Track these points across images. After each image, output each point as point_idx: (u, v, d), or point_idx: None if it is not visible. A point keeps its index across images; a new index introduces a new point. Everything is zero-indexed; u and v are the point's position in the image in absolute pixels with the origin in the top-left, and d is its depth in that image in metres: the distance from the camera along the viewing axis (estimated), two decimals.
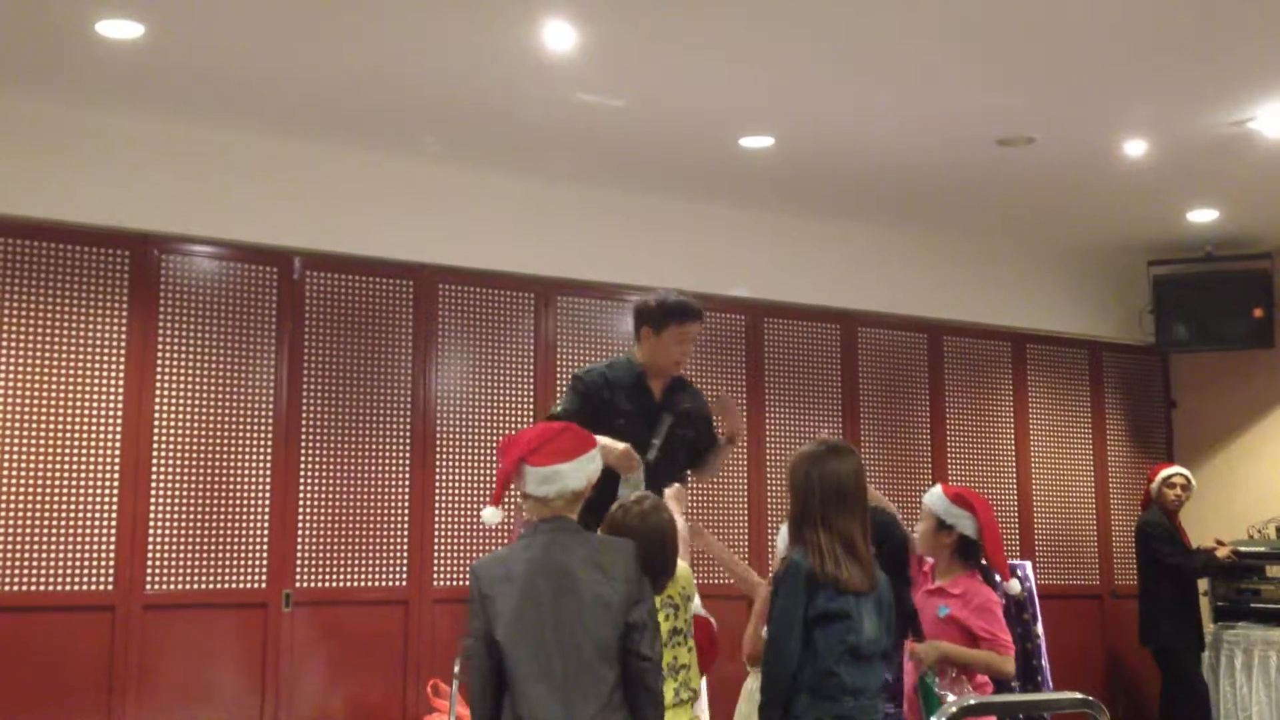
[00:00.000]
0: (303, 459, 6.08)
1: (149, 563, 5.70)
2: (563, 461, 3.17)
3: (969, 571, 4.11)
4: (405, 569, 6.24)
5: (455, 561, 6.34)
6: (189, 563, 5.79)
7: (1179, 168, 6.60)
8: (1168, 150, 6.30)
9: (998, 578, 4.19)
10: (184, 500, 5.81)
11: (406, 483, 6.30)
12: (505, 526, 5.13)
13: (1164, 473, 7.45)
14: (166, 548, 5.75)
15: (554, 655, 3.01)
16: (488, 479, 6.47)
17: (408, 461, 6.31)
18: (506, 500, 3.44)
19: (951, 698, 3.84)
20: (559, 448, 3.19)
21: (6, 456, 5.50)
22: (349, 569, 6.13)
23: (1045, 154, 6.33)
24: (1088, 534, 8.34)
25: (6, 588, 5.43)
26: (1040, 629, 5.31)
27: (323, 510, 6.10)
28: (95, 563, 5.60)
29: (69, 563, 5.55)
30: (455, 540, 6.38)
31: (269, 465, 6.00)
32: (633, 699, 3.05)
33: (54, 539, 5.54)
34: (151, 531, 5.72)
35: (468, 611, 3.17)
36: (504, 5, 4.72)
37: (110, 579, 5.61)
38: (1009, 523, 8.02)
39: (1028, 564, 6.19)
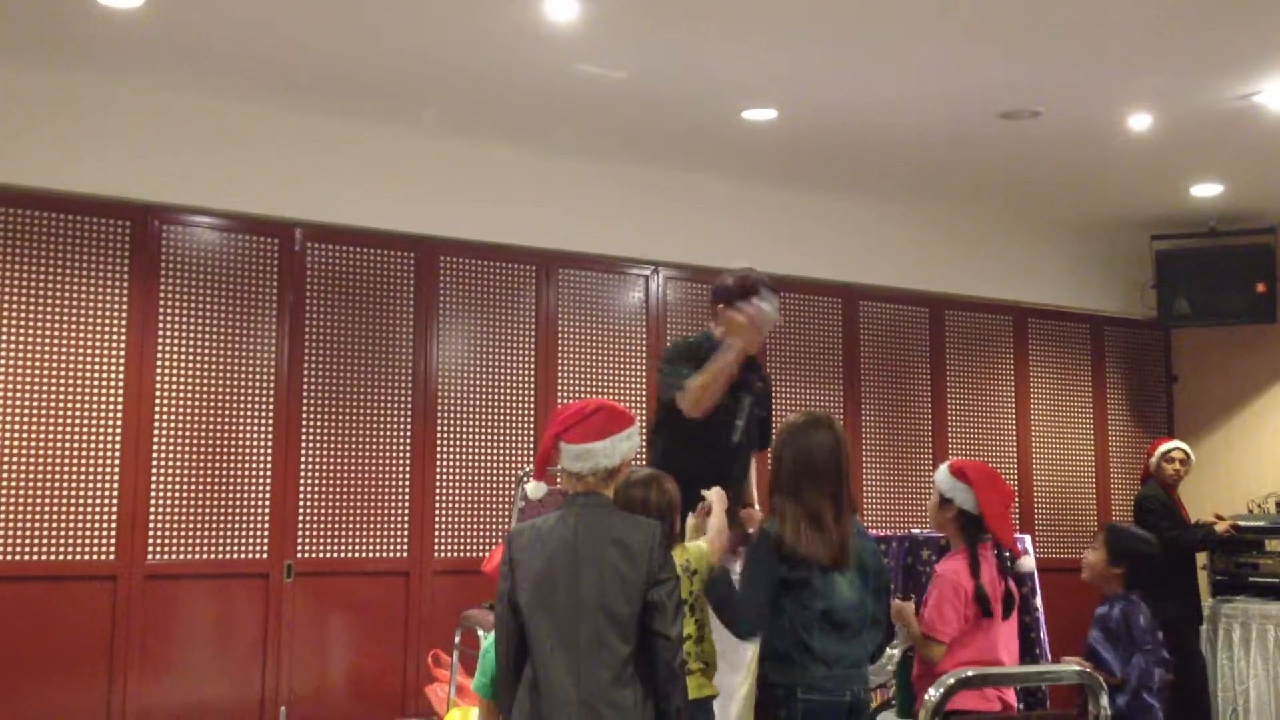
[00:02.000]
0: (304, 430, 6.09)
1: (150, 533, 5.72)
2: (595, 440, 3.26)
3: (964, 547, 4.08)
4: (406, 540, 6.26)
5: (456, 533, 6.37)
6: (191, 533, 5.81)
7: (1183, 142, 6.57)
8: (1172, 124, 6.28)
9: (1009, 556, 4.16)
10: (185, 471, 5.82)
11: (408, 454, 6.31)
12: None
13: (1163, 447, 7.44)
14: (168, 518, 5.77)
15: (570, 625, 3.11)
16: (489, 450, 6.49)
17: (409, 433, 6.32)
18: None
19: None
20: (591, 427, 3.28)
21: (8, 428, 5.51)
22: (350, 540, 6.15)
23: (1049, 128, 6.31)
24: (1087, 508, 8.36)
25: (8, 558, 5.46)
26: (1039, 602, 5.32)
27: (324, 481, 6.12)
28: (97, 533, 5.62)
29: (71, 533, 5.57)
30: (456, 512, 6.40)
31: (270, 436, 6.01)
32: (653, 675, 3.13)
33: (56, 509, 5.56)
34: (153, 502, 5.74)
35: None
36: None
37: (112, 549, 5.64)
38: None
39: (1027, 537, 6.19)
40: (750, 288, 4.26)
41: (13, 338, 5.55)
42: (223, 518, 5.88)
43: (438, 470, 6.37)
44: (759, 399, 4.40)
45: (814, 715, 3.37)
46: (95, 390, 5.68)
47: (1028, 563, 4.24)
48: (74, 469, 5.61)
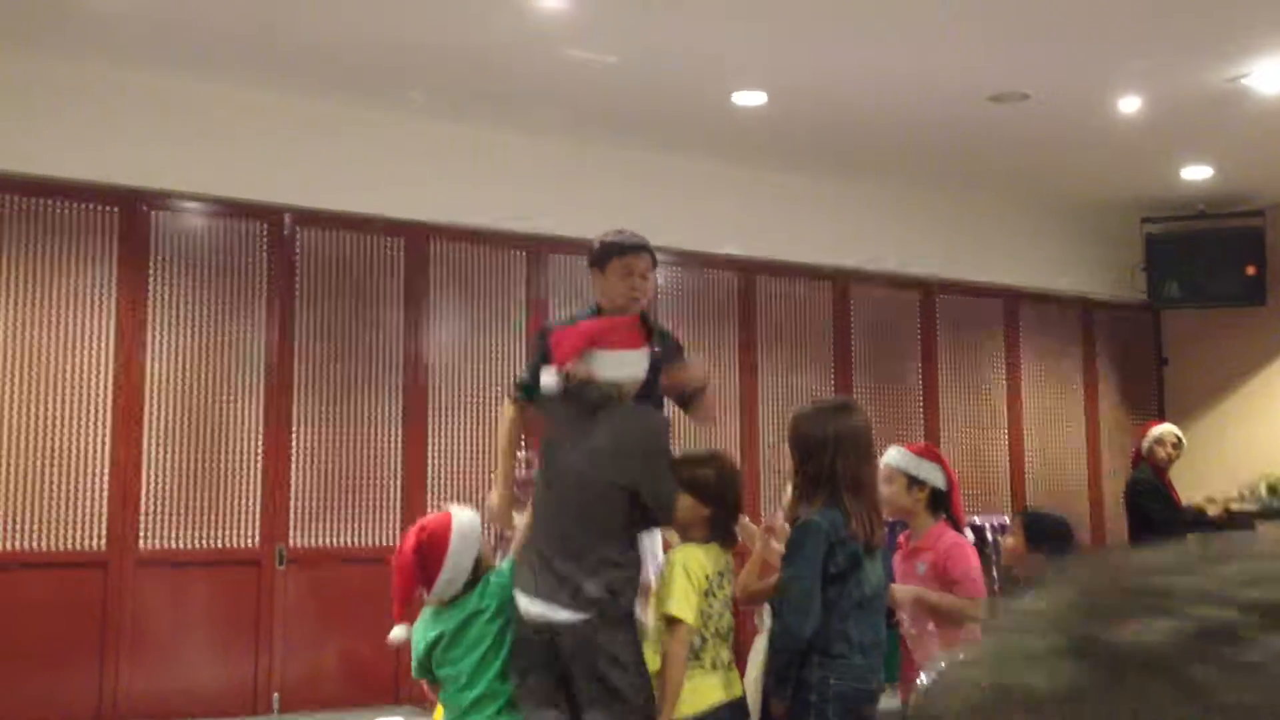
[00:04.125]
0: (294, 416, 6.08)
1: (141, 520, 5.71)
2: (630, 349, 3.45)
3: (945, 521, 4.15)
4: (398, 525, 6.25)
5: None
6: (181, 520, 5.80)
7: (1172, 124, 6.57)
8: (1161, 107, 6.28)
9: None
10: (176, 457, 5.81)
11: (399, 439, 6.31)
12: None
13: (1155, 431, 7.44)
14: (159, 505, 5.76)
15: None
16: (479, 434, 6.48)
17: (400, 418, 6.32)
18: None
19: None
20: (627, 336, 3.47)
21: None
22: (341, 526, 6.15)
23: (1039, 111, 6.30)
24: (1079, 490, 8.37)
25: (1, 545, 5.44)
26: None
27: (315, 467, 6.11)
28: (88, 520, 5.61)
29: (61, 520, 5.56)
30: (448, 495, 6.39)
31: (261, 422, 6.00)
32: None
33: (46, 496, 5.55)
34: (144, 489, 5.73)
35: None
36: None
37: (103, 536, 5.63)
38: (1000, 480, 8.05)
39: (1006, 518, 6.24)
40: (611, 246, 4.13)
41: (2, 324, 5.53)
42: (214, 504, 5.88)
43: (429, 455, 6.37)
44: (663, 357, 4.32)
45: (845, 702, 3.29)
46: (85, 377, 5.66)
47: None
48: (64, 456, 5.60)
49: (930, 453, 4.16)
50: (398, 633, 3.35)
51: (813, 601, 3.26)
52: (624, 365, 3.38)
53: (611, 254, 4.17)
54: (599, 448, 3.32)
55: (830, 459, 3.36)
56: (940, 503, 4.12)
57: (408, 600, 3.28)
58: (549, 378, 3.47)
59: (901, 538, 4.16)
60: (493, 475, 4.35)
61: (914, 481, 4.11)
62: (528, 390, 4.05)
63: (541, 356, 4.16)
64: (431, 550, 3.26)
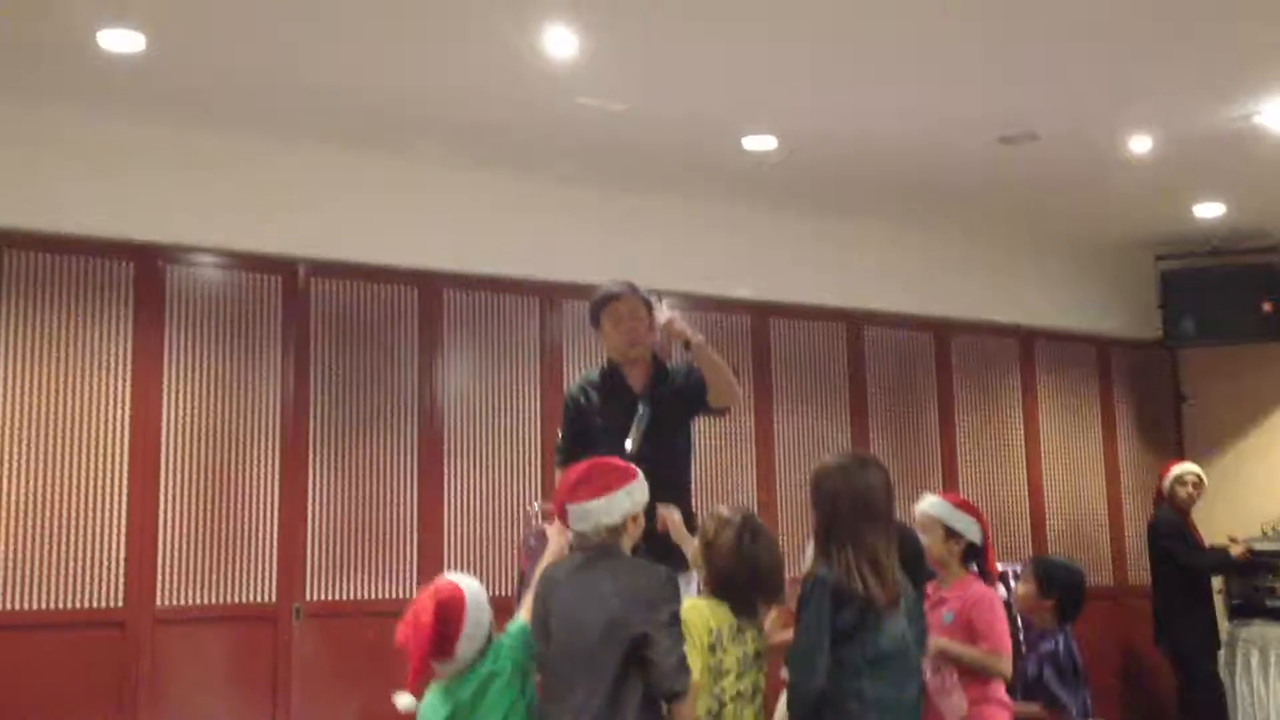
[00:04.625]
0: (310, 469, 6.05)
1: (158, 577, 5.67)
2: (592, 499, 3.32)
3: (975, 574, 4.13)
4: (415, 578, 6.21)
5: (465, 569, 6.30)
6: (198, 576, 5.76)
7: (1184, 162, 6.56)
8: (1173, 145, 6.27)
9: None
10: (192, 513, 5.78)
11: (414, 491, 6.27)
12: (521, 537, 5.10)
13: (1175, 470, 7.40)
14: (175, 562, 5.72)
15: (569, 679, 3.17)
16: (496, 485, 6.45)
17: (415, 469, 6.29)
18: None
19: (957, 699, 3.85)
20: (591, 488, 3.34)
21: (14, 472, 5.48)
22: (358, 580, 6.11)
23: (1049, 151, 6.30)
24: (1099, 531, 8.30)
25: (17, 605, 5.41)
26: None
27: (331, 521, 6.08)
28: (104, 578, 5.58)
29: (78, 579, 5.53)
30: (464, 548, 6.35)
31: (277, 476, 5.98)
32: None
33: (63, 555, 5.51)
34: (161, 546, 5.70)
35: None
36: (505, 13, 4.71)
37: (120, 594, 5.59)
38: (1020, 521, 7.99)
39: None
40: (596, 302, 4.36)
41: (17, 381, 5.53)
42: (230, 560, 5.84)
43: (445, 506, 6.33)
44: (666, 401, 4.32)
45: None
46: (101, 433, 5.65)
47: (1000, 591, 4.29)
48: (80, 514, 5.57)
49: (967, 506, 4.15)
50: (408, 701, 3.28)
51: (817, 658, 3.23)
52: (614, 508, 3.33)
53: (599, 310, 4.42)
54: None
55: (833, 514, 3.37)
56: (973, 556, 4.11)
57: (426, 669, 3.22)
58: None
59: (929, 587, 4.13)
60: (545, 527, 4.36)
61: (950, 533, 4.09)
62: (566, 457, 4.27)
63: (570, 422, 4.29)
64: (452, 610, 3.21)
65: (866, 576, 3.27)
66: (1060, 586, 4.68)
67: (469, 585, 3.27)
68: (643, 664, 3.11)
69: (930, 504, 4.18)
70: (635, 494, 3.36)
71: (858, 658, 3.25)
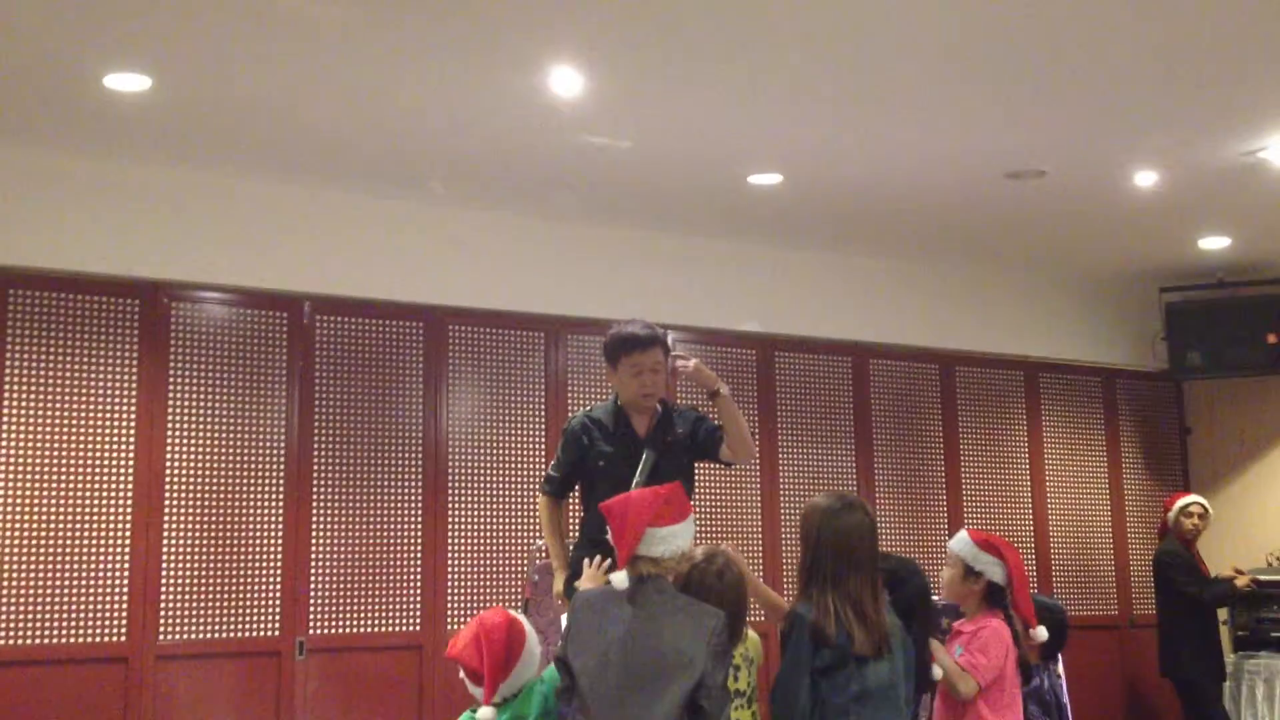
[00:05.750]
0: (315, 505, 6.06)
1: (162, 613, 5.67)
2: (677, 523, 3.26)
3: (992, 612, 4.10)
4: (419, 613, 6.20)
5: (469, 604, 6.30)
6: (202, 612, 5.76)
7: (1190, 197, 6.57)
8: (1178, 181, 6.28)
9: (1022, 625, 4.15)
10: (196, 549, 5.79)
11: (419, 526, 6.27)
12: (523, 577, 5.09)
13: (1181, 502, 7.39)
14: (179, 597, 5.72)
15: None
16: (500, 520, 6.45)
17: (420, 504, 6.29)
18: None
19: None
20: (674, 510, 3.28)
21: (18, 509, 5.48)
22: (362, 615, 6.10)
23: (1056, 186, 6.31)
24: (1105, 563, 8.28)
25: (20, 641, 5.41)
26: (1061, 669, 5.26)
27: (335, 556, 6.07)
28: (108, 614, 5.57)
29: (82, 615, 5.53)
30: (469, 582, 6.35)
31: (281, 512, 5.98)
32: None
33: (66, 591, 5.52)
34: (164, 581, 5.69)
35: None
36: (510, 53, 4.72)
37: (123, 630, 5.59)
38: (1025, 553, 7.96)
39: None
40: (619, 343, 4.21)
41: (23, 418, 5.54)
42: (234, 596, 5.84)
43: (450, 541, 6.33)
44: (673, 449, 4.26)
45: None
46: (105, 470, 5.65)
47: (1042, 632, 4.22)
48: (84, 550, 5.57)
49: (991, 545, 4.08)
50: (487, 714, 3.24)
51: (796, 695, 3.24)
52: (690, 534, 3.30)
53: (619, 352, 4.23)
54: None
55: (816, 554, 3.38)
56: (998, 597, 4.07)
57: (500, 678, 3.20)
58: (620, 577, 3.28)
59: (957, 624, 4.13)
60: (554, 564, 4.35)
61: (970, 571, 4.07)
62: (558, 488, 4.33)
63: (568, 457, 4.25)
64: (516, 636, 3.23)
65: (850, 622, 3.28)
66: (1045, 625, 4.67)
67: (525, 619, 3.32)
68: (695, 709, 3.05)
69: (956, 540, 4.17)
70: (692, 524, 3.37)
71: (839, 695, 3.26)
